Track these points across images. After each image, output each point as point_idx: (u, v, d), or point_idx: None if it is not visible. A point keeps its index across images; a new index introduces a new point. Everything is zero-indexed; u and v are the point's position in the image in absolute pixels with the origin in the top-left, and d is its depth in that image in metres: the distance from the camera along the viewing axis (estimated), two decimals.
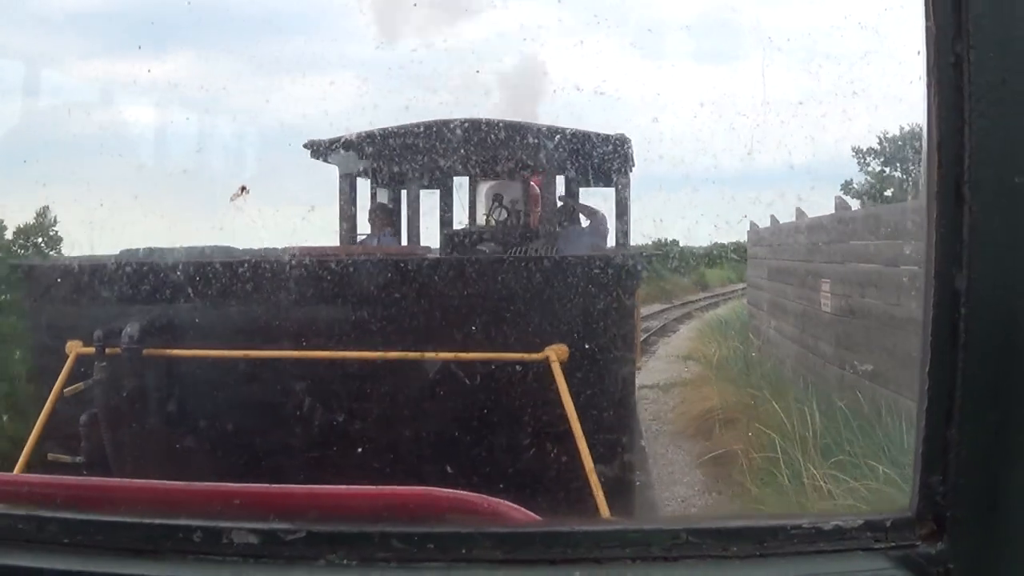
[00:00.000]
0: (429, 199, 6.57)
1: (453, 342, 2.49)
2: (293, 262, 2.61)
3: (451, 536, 0.91)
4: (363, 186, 6.00)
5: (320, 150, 5.42)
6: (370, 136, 5.31)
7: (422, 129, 5.18)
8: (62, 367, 2.67)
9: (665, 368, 11.75)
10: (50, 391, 2.66)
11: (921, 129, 0.88)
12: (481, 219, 6.52)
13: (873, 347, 6.02)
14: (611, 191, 6.03)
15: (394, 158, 5.52)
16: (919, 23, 0.86)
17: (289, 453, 2.59)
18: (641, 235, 6.54)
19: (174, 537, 0.90)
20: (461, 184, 6.75)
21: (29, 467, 2.74)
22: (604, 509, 2.24)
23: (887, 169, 25.98)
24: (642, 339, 10.99)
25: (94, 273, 2.75)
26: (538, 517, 1.02)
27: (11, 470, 2.66)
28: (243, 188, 2.82)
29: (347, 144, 5.34)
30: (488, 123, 5.19)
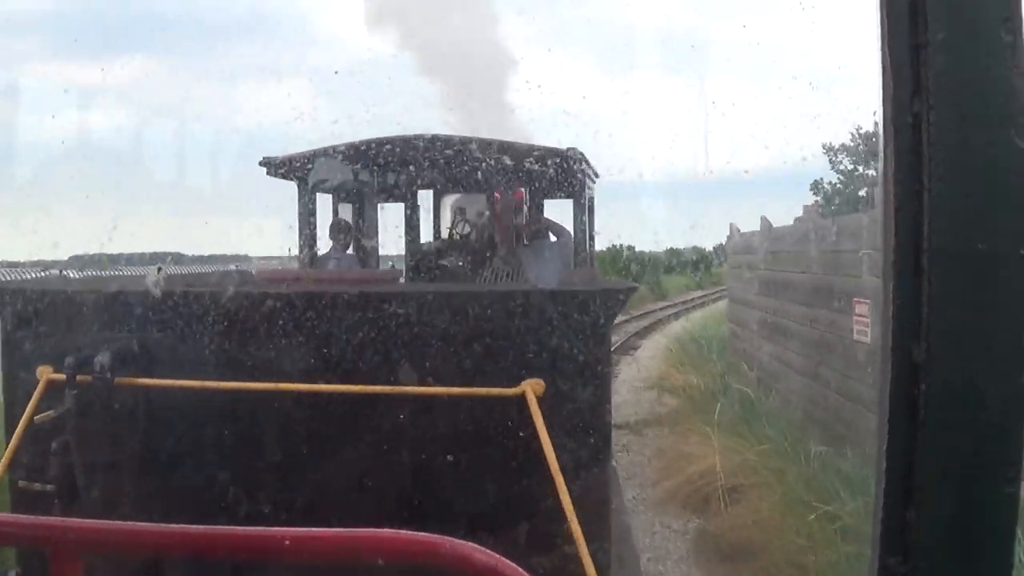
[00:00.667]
0: (395, 212, 6.53)
1: (424, 376, 2.44)
2: (257, 294, 2.56)
3: None
4: (323, 200, 5.89)
5: (275, 167, 5.30)
6: (329, 152, 5.21)
7: (386, 144, 5.11)
8: (31, 393, 2.60)
9: (633, 400, 9.89)
10: (19, 418, 2.59)
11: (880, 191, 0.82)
12: (445, 232, 6.51)
13: None
14: (569, 203, 6.02)
15: (355, 173, 5.43)
16: (876, 76, 0.81)
17: (256, 490, 2.52)
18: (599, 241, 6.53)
19: None
20: (426, 197, 6.72)
21: None
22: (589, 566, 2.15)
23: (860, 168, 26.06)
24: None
25: (66, 298, 2.67)
26: (502, 558, 0.98)
27: None
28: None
29: (302, 162, 5.23)
30: (450, 138, 5.15)
